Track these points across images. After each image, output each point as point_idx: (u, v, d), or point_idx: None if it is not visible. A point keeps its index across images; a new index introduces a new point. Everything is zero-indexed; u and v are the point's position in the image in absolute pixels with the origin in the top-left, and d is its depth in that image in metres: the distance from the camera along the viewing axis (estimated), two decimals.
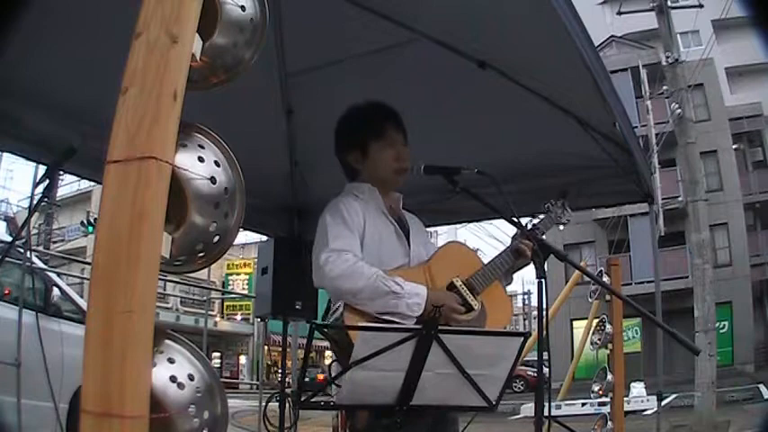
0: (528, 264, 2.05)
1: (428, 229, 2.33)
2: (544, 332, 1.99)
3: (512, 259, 2.02)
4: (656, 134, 17.84)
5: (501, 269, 2.01)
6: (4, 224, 16.22)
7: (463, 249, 2.10)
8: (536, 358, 2.04)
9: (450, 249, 2.07)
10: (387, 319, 1.76)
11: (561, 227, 2.28)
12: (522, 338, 1.58)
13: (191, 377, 1.01)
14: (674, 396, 10.79)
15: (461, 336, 1.58)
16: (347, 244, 1.85)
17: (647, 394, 10.90)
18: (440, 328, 1.52)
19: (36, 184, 2.74)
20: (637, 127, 13.88)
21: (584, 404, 6.62)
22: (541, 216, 2.22)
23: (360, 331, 1.47)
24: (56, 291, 4.98)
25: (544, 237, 2.09)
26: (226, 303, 25.96)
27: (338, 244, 1.84)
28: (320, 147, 2.32)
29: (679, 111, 9.93)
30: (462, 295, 1.91)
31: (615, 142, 3.06)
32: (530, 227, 2.10)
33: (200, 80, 1.14)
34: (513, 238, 2.07)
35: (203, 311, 11.79)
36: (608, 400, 4.27)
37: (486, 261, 2.05)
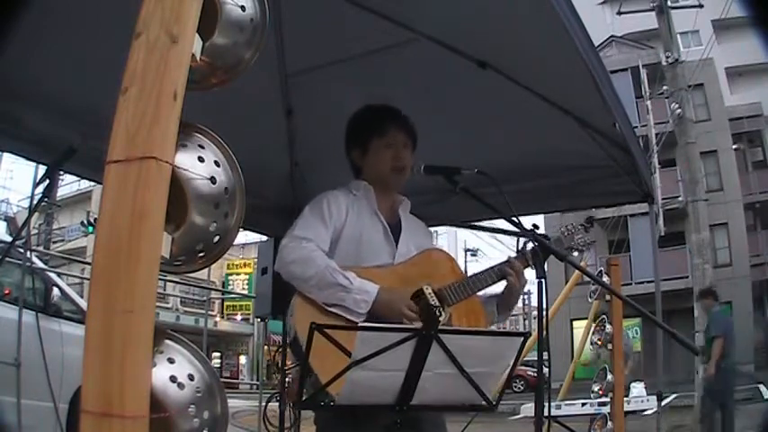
0: (517, 290, 2.01)
1: (428, 229, 2.30)
2: (544, 332, 1.98)
3: (495, 277, 1.99)
4: (656, 134, 17.83)
5: (480, 285, 1.98)
6: (4, 224, 16.22)
7: (445, 258, 2.07)
8: (536, 358, 2.03)
9: (430, 256, 2.04)
10: (334, 312, 1.77)
11: (576, 253, 2.23)
12: (522, 338, 1.58)
13: (191, 377, 1.01)
14: (673, 396, 10.78)
15: (461, 336, 1.58)
16: (311, 234, 1.89)
17: (647, 394, 10.90)
18: (440, 328, 1.52)
19: (36, 184, 2.75)
20: (637, 127, 13.87)
21: (584, 404, 6.62)
22: (552, 236, 2.15)
23: (359, 331, 1.47)
24: (56, 291, 4.97)
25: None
26: (226, 303, 25.97)
27: (303, 232, 1.89)
28: (320, 147, 2.33)
29: (679, 111, 9.94)
30: (428, 303, 1.88)
31: (615, 142, 3.06)
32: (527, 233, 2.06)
33: (200, 80, 1.14)
34: (507, 260, 2.02)
35: (203, 311, 11.80)
36: (608, 400, 4.28)
37: (478, 271, 2.03)
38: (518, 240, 2.01)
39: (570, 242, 2.19)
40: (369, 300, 1.79)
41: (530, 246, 1.99)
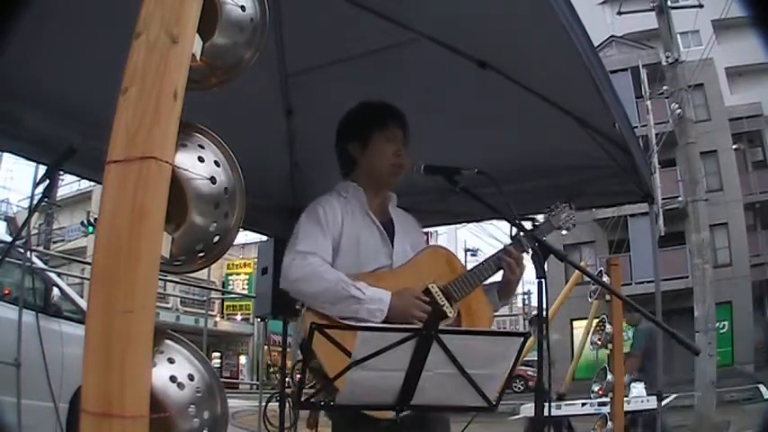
0: (516, 277, 2.03)
1: (428, 229, 2.32)
2: (544, 332, 1.98)
3: (493, 269, 2.00)
4: (656, 134, 17.82)
5: (483, 276, 1.99)
6: (4, 224, 16.22)
7: (445, 254, 2.08)
8: (536, 358, 2.03)
9: (431, 254, 2.04)
10: (349, 324, 1.75)
11: (564, 231, 2.24)
12: (522, 338, 1.58)
13: (191, 377, 1.01)
14: (674, 396, 10.76)
15: (461, 336, 1.58)
16: (314, 246, 1.86)
17: (647, 394, 10.88)
18: (440, 328, 1.52)
19: (36, 184, 2.75)
20: (637, 127, 13.86)
21: (584, 404, 6.61)
22: (540, 218, 2.19)
23: (360, 331, 1.47)
24: (56, 291, 4.97)
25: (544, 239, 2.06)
26: (226, 303, 25.95)
27: (305, 246, 1.86)
28: (320, 147, 2.32)
29: (679, 111, 9.94)
30: (436, 302, 1.88)
31: (615, 142, 3.06)
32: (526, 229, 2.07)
33: (200, 80, 1.14)
34: (503, 247, 2.03)
35: (203, 311, 11.81)
36: (608, 400, 4.28)
37: (478, 263, 2.04)
38: (511, 228, 2.01)
39: (558, 222, 2.20)
40: (383, 308, 1.78)
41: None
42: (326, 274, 1.81)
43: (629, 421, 6.58)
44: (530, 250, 1.96)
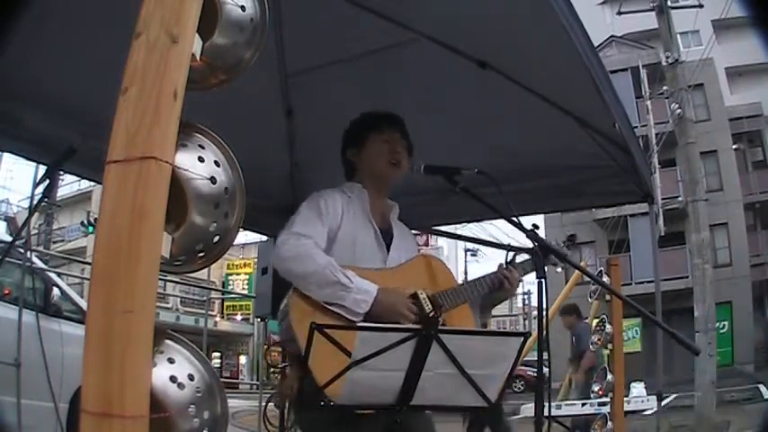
0: (506, 297, 2.04)
1: (414, 236, 2.32)
2: (544, 332, 1.98)
3: (488, 287, 2.01)
4: (656, 134, 17.84)
5: (474, 293, 2.00)
6: (4, 224, 16.22)
7: (437, 265, 2.08)
8: (536, 358, 2.03)
9: (425, 261, 2.05)
10: (334, 311, 1.76)
11: (558, 269, 2.25)
12: (522, 338, 1.58)
13: (191, 377, 1.01)
14: (674, 396, 10.78)
15: (461, 336, 1.58)
16: (310, 231, 1.87)
17: (647, 394, 10.90)
18: (440, 328, 1.53)
19: (36, 184, 2.75)
20: (637, 127, 13.88)
21: (584, 404, 6.62)
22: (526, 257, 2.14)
23: (359, 331, 1.47)
24: (56, 291, 4.97)
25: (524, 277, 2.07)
26: (226, 303, 25.97)
27: (300, 229, 1.87)
28: (320, 147, 2.33)
29: (679, 111, 9.93)
30: (422, 307, 1.88)
31: (615, 142, 3.06)
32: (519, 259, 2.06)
33: (200, 80, 1.14)
34: (500, 266, 2.04)
35: (203, 311, 11.81)
36: (608, 400, 4.28)
37: (470, 279, 2.06)
38: (506, 253, 2.02)
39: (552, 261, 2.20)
40: (369, 300, 1.78)
41: (519, 259, 2.01)
42: (317, 257, 1.81)
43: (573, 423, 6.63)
44: (523, 279, 2.00)
